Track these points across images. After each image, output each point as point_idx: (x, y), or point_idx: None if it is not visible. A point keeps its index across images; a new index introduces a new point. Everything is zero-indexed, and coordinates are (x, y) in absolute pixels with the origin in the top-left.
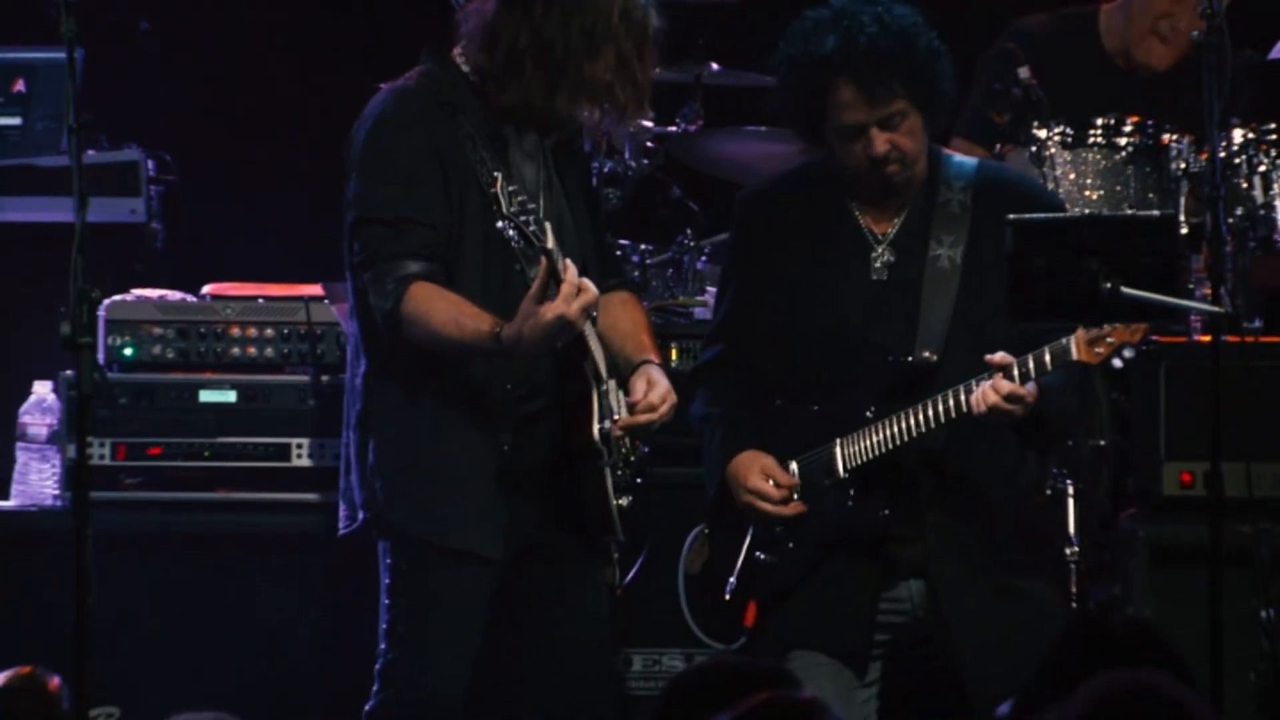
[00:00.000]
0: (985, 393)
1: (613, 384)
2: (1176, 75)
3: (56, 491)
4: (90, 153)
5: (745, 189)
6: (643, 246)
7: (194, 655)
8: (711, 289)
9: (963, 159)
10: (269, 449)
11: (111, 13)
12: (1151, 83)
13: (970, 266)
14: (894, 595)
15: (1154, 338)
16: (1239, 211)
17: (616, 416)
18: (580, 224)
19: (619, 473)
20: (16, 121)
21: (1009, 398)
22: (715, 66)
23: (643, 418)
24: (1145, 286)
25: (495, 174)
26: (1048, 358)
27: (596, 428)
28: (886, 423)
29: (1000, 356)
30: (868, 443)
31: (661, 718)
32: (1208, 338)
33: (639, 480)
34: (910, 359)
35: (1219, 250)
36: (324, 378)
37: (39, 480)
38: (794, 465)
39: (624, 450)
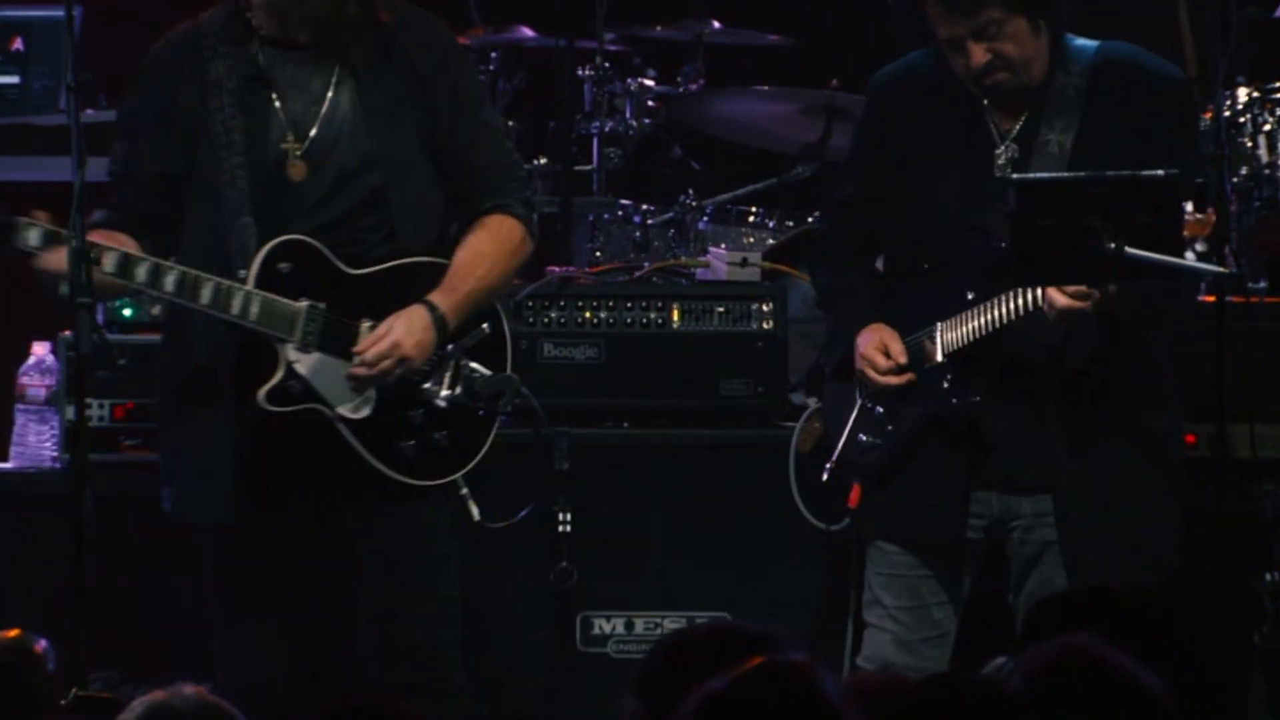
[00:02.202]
0: (1053, 294)
1: (366, 325)
2: None
3: (55, 453)
4: (89, 112)
5: (880, 70)
6: (644, 206)
7: (192, 618)
8: (713, 248)
9: (1084, 42)
10: None
11: None
12: None
13: (1079, 152)
14: (976, 498)
15: None
16: (1243, 171)
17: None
18: (398, 142)
19: (410, 415)
20: (14, 80)
21: (1076, 295)
22: (716, 25)
23: (359, 370)
24: (1150, 246)
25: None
26: None
27: (264, 390)
28: (985, 307)
29: None
30: (965, 325)
31: (651, 680)
32: (1212, 298)
33: (443, 410)
34: (1006, 245)
35: (1223, 210)
36: None
37: (38, 442)
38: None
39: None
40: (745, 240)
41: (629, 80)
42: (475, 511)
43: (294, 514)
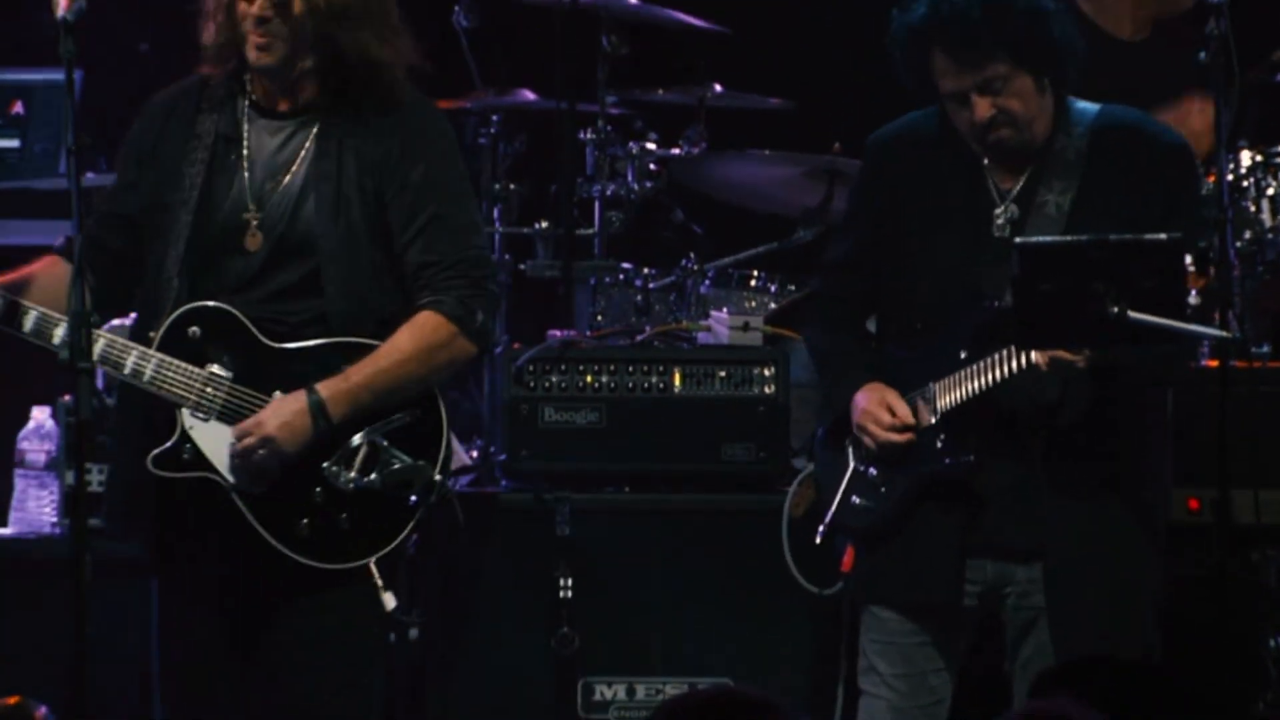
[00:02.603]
0: None
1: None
2: (1157, 43)
3: (55, 519)
4: (89, 175)
5: (878, 131)
6: (646, 270)
7: None
8: (715, 312)
9: (1087, 104)
10: None
11: (112, 34)
12: (1133, 50)
13: (1078, 213)
14: (970, 564)
15: None
16: (1247, 235)
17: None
18: (342, 226)
19: (310, 493)
20: (14, 144)
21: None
22: (718, 88)
23: (238, 449)
24: (1153, 310)
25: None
26: None
27: (154, 453)
28: (980, 368)
29: None
30: (961, 389)
31: None
32: (1215, 363)
33: (349, 493)
34: (999, 304)
35: (1226, 274)
36: None
37: (37, 507)
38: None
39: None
40: (747, 304)
41: (630, 144)
42: (389, 601)
43: (201, 574)
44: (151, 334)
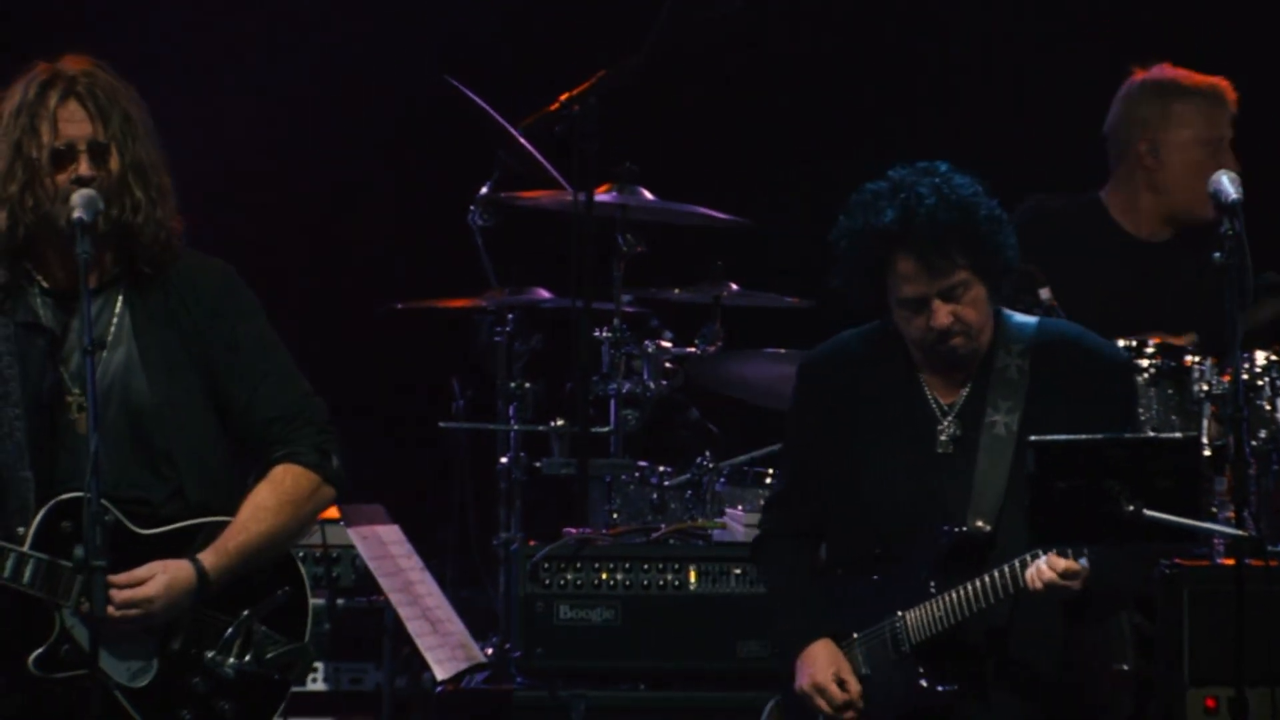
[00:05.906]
0: (1040, 569)
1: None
2: (1178, 245)
3: None
4: None
5: (809, 354)
6: (661, 468)
7: None
8: (730, 510)
9: (1024, 319)
10: None
11: None
12: (1154, 251)
13: (1025, 433)
14: None
15: (1177, 561)
16: (1262, 434)
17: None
18: (180, 397)
19: (192, 683)
20: None
21: (1065, 574)
22: (734, 287)
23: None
24: (1168, 509)
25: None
26: None
27: (34, 655)
28: (949, 595)
29: None
30: (931, 615)
31: None
32: (1231, 561)
33: (230, 679)
34: (964, 529)
35: (1242, 473)
36: (340, 601)
37: None
38: (855, 637)
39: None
40: (762, 502)
41: (646, 342)
42: None
43: None
44: (21, 530)
